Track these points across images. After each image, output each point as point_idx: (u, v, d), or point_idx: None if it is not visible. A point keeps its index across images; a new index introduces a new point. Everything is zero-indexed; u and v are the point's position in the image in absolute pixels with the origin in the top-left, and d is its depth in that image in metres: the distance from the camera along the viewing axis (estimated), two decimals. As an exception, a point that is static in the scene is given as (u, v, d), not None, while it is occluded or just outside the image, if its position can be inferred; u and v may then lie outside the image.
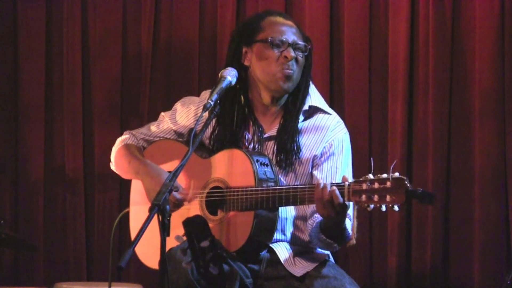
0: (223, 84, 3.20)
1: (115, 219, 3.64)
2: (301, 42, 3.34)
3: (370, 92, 4.68)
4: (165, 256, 2.72)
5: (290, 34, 3.34)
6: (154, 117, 3.64)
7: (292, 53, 3.31)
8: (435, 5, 4.57)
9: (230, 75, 3.24)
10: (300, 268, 3.25)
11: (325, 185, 3.02)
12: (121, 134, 3.63)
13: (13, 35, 4.92)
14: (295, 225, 3.35)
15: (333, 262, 3.39)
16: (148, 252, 3.30)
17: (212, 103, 3.11)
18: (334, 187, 3.00)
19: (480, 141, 4.53)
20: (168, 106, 3.62)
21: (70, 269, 4.85)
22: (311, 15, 4.67)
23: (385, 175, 2.92)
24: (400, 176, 2.91)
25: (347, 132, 3.42)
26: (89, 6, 4.91)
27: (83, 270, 4.85)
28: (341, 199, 2.99)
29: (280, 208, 3.21)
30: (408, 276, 4.60)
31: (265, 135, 3.37)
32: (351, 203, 3.08)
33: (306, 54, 3.35)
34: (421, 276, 4.58)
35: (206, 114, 3.15)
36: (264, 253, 3.27)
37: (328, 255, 3.39)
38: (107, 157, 4.54)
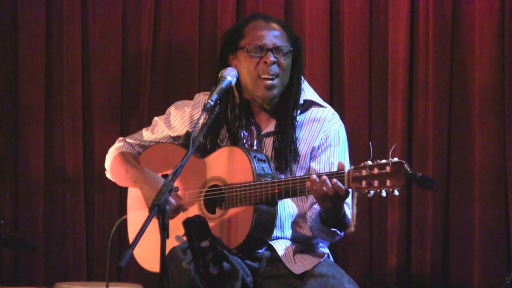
0: (223, 84, 3.21)
1: (115, 219, 3.64)
2: (283, 46, 3.33)
3: (370, 92, 4.68)
4: (165, 257, 2.72)
5: (270, 38, 3.33)
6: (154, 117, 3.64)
7: (271, 58, 3.30)
8: (435, 5, 4.57)
9: (230, 75, 3.25)
10: (299, 266, 3.25)
11: (323, 179, 3.02)
12: (121, 134, 3.64)
13: (13, 35, 4.92)
14: (295, 222, 3.35)
15: (333, 261, 3.40)
16: (147, 255, 3.30)
17: (212, 103, 3.12)
18: (335, 180, 2.99)
19: (480, 141, 4.53)
20: (168, 107, 3.62)
21: (70, 269, 4.85)
22: (311, 15, 4.67)
23: (384, 160, 2.93)
24: (399, 160, 2.91)
25: (343, 125, 3.44)
26: (89, 6, 4.91)
27: (83, 270, 4.85)
28: (344, 188, 2.99)
29: (279, 205, 3.22)
30: (408, 276, 4.60)
31: (263, 132, 3.38)
32: (350, 190, 3.08)
33: (289, 56, 3.33)
34: (421, 276, 4.58)
35: (205, 114, 3.15)
36: (264, 251, 3.27)
37: (328, 254, 3.39)
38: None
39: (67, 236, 4.87)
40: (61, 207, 4.89)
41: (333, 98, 4.67)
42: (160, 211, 2.74)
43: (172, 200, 3.22)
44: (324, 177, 3.02)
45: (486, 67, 4.53)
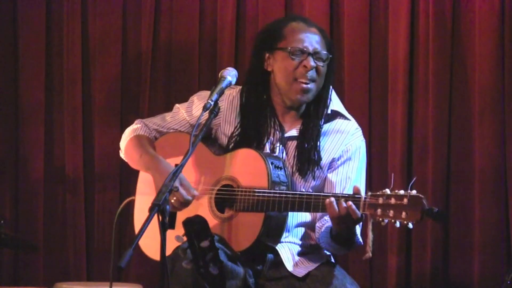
0: (223, 84, 3.20)
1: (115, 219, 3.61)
2: (322, 51, 3.31)
3: (370, 92, 4.68)
4: (165, 257, 2.73)
5: (311, 42, 3.31)
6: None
7: (311, 63, 3.28)
8: (435, 5, 4.57)
9: (230, 75, 3.24)
10: (302, 268, 3.25)
11: (339, 202, 3.01)
12: (121, 134, 3.62)
13: (13, 35, 4.92)
14: (301, 228, 3.35)
15: (334, 262, 3.39)
16: (151, 243, 3.27)
17: (212, 103, 3.11)
18: (350, 203, 2.98)
19: (480, 141, 4.53)
20: (168, 106, 3.62)
21: (70, 269, 4.85)
22: (311, 15, 4.66)
23: (402, 192, 2.92)
24: (418, 194, 2.90)
25: (364, 140, 3.42)
26: (89, 6, 4.91)
27: (83, 270, 4.85)
28: (359, 214, 2.98)
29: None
30: (408, 276, 4.60)
31: (286, 135, 3.36)
32: (364, 215, 3.06)
33: (327, 63, 3.32)
34: (421, 276, 4.58)
35: (206, 113, 3.14)
36: (267, 254, 3.26)
37: (329, 255, 3.39)
38: (107, 157, 4.52)
39: (67, 236, 4.87)
40: (61, 207, 4.89)
41: (333, 98, 4.67)
42: (160, 211, 2.74)
43: (183, 192, 3.21)
44: (341, 201, 3.01)
45: (486, 67, 4.54)
